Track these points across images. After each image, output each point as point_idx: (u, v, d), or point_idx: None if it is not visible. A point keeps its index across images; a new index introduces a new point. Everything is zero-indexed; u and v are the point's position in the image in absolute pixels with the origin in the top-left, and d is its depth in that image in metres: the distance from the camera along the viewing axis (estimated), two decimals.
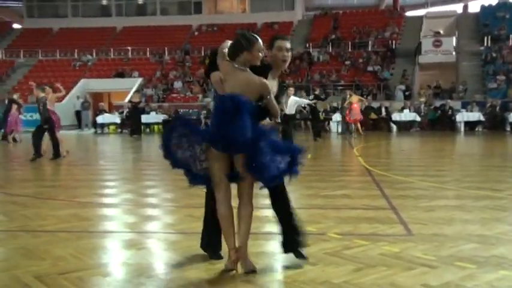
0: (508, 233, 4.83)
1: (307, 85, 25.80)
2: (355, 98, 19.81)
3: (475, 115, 21.96)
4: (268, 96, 3.66)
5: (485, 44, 27.64)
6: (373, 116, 22.81)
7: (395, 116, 22.89)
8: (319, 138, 17.47)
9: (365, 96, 23.48)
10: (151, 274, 3.80)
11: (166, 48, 32.06)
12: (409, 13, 33.92)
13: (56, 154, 11.63)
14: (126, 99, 26.07)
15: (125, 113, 24.11)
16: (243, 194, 3.74)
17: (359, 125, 19.91)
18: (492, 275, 3.64)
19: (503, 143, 17.27)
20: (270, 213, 5.15)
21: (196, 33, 34.66)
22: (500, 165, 10.96)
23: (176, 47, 32.34)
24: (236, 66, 3.65)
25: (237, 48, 3.65)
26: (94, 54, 32.73)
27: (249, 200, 3.73)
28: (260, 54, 3.68)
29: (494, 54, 26.35)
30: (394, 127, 22.75)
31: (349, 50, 29.82)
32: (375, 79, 26.83)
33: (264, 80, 3.66)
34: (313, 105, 16.53)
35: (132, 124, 22.16)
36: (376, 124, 22.79)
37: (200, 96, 27.08)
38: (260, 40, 3.70)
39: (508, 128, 21.48)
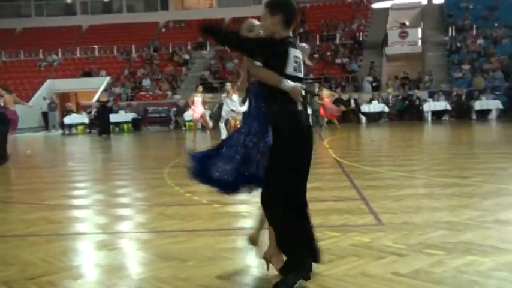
0: (475, 218, 4.94)
1: None
2: (325, 93, 19.86)
3: (442, 104, 22.38)
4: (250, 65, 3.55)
5: (450, 34, 28.10)
6: (342, 108, 22.97)
7: (364, 108, 23.15)
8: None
9: (333, 89, 23.64)
10: (123, 274, 3.77)
11: (133, 46, 31.66)
12: (375, 5, 34.17)
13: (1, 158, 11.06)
14: (94, 99, 25.70)
15: (93, 113, 23.78)
16: None
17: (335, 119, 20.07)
18: (460, 261, 3.72)
19: (470, 131, 17.63)
20: (242, 208, 5.17)
21: (163, 29, 34.36)
22: (466, 152, 11.20)
23: (143, 45, 31.99)
24: None
25: None
26: (60, 54, 32.10)
27: None
28: (249, 34, 3.62)
29: (459, 44, 26.82)
30: (363, 118, 23.00)
31: (317, 43, 29.94)
32: (343, 71, 27.05)
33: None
34: None
35: (100, 124, 21.84)
36: (345, 116, 22.98)
37: (169, 93, 26.88)
38: (246, 21, 3.70)
39: (474, 116, 21.95)
